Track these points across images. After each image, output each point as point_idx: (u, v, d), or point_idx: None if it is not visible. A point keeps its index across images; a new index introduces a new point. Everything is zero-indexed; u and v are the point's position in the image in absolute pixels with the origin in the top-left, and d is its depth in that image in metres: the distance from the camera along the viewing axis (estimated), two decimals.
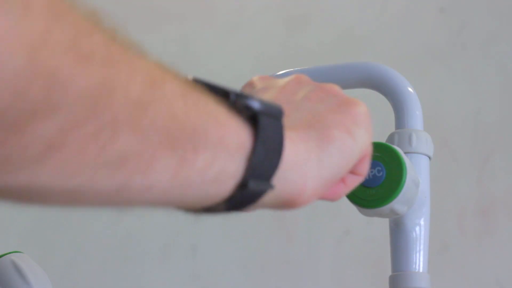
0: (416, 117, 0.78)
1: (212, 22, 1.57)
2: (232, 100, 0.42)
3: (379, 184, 0.69)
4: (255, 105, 0.41)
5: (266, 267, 1.44)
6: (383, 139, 0.76)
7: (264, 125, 0.42)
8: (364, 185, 0.69)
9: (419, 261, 0.75)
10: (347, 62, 0.82)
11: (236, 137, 0.41)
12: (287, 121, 0.44)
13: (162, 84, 0.37)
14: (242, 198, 0.42)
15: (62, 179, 0.34)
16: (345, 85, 0.80)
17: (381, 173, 0.69)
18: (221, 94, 0.42)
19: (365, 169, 0.51)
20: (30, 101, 0.30)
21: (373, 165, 0.69)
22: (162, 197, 0.39)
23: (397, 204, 0.69)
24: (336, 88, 0.51)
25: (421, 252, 0.75)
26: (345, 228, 1.42)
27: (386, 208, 0.69)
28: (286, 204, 0.45)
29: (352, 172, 0.51)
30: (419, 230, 0.75)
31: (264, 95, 0.50)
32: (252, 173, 0.41)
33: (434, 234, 0.78)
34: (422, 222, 0.76)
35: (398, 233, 0.75)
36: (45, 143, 0.32)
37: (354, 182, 0.51)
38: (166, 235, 1.48)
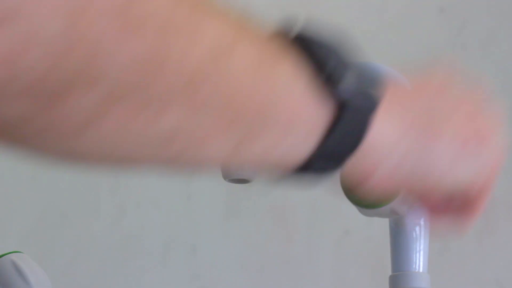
0: None
1: None
2: (323, 77, 0.37)
3: None
4: (346, 94, 0.37)
5: (266, 267, 1.44)
6: None
7: (349, 116, 0.37)
8: None
9: (419, 261, 0.75)
10: None
11: (310, 121, 0.36)
12: (402, 105, 0.40)
13: (229, 53, 0.33)
14: (306, 173, 0.38)
15: (106, 149, 0.31)
16: None
17: None
18: (317, 61, 0.37)
19: (464, 221, 0.46)
20: (69, 70, 0.28)
21: None
22: (218, 166, 0.36)
23: (397, 204, 0.69)
24: (493, 115, 0.46)
25: (421, 252, 0.75)
26: (345, 228, 1.41)
27: (386, 208, 0.69)
28: (357, 180, 0.41)
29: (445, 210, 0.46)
30: (419, 230, 0.75)
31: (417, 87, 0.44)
32: (320, 157, 0.37)
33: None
34: (422, 222, 0.76)
35: (398, 233, 0.75)
36: (86, 115, 0.29)
37: (444, 217, 0.47)
38: (166, 235, 1.48)
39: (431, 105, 0.43)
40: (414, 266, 0.74)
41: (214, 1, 0.34)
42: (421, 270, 0.74)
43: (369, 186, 0.41)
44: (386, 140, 0.40)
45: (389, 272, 0.76)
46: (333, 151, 0.37)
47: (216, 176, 0.81)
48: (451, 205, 0.47)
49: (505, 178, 1.38)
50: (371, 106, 0.38)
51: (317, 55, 0.37)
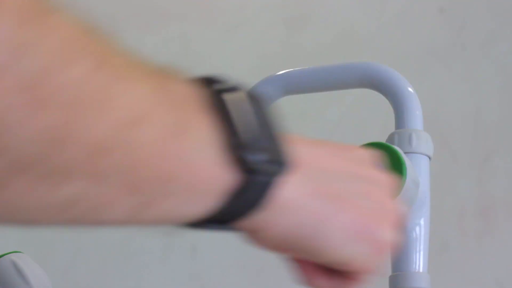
0: (416, 117, 0.78)
1: (212, 22, 1.57)
2: (233, 147, 0.36)
3: None
4: (256, 162, 0.37)
5: (266, 267, 1.43)
6: (383, 139, 0.76)
7: (255, 183, 0.37)
8: None
9: (419, 261, 0.75)
10: (347, 62, 0.82)
11: (214, 186, 0.36)
12: (315, 172, 0.41)
13: (139, 124, 0.33)
14: (202, 227, 0.39)
15: (6, 214, 0.33)
16: (345, 85, 0.80)
17: None
18: (226, 132, 0.36)
19: (341, 284, 0.46)
20: None
21: None
22: (120, 225, 0.37)
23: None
24: (394, 212, 0.47)
25: (421, 252, 0.75)
26: None
27: None
28: (248, 230, 0.42)
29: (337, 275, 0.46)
30: (419, 230, 0.75)
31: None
32: (214, 218, 0.38)
33: (434, 234, 0.78)
34: (422, 222, 0.76)
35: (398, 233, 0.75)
36: None
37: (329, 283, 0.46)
38: (166, 235, 1.48)
39: (341, 179, 0.43)
40: (414, 266, 0.74)
41: (138, 59, 0.34)
42: (421, 270, 0.74)
43: (260, 238, 0.42)
44: (288, 202, 0.40)
45: (389, 272, 0.76)
46: (229, 213, 0.38)
47: None
48: (329, 271, 0.46)
49: (505, 178, 1.38)
50: (278, 172, 0.38)
51: (232, 119, 0.37)
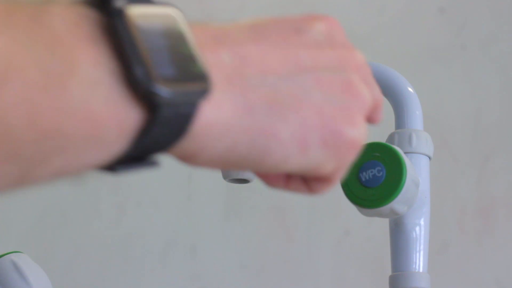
0: (416, 117, 0.78)
1: (212, 22, 1.57)
2: (132, 79, 0.31)
3: (379, 184, 0.69)
4: (161, 95, 0.31)
5: (266, 267, 1.44)
6: (383, 139, 0.76)
7: (165, 116, 0.32)
8: (364, 185, 0.69)
9: (419, 261, 0.75)
10: None
11: (115, 129, 0.31)
12: (252, 79, 0.35)
13: (4, 83, 0.28)
14: (124, 167, 0.34)
15: None
16: None
17: (381, 173, 0.69)
18: (123, 61, 0.31)
19: (316, 188, 0.40)
20: None
21: (373, 165, 0.69)
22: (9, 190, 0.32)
23: (397, 204, 0.69)
24: (365, 98, 0.39)
25: (421, 252, 0.75)
26: (345, 228, 1.41)
27: (386, 208, 0.69)
28: (181, 157, 0.36)
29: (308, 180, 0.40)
30: (419, 230, 0.75)
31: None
32: (126, 160, 0.33)
33: (434, 234, 0.78)
34: (422, 222, 0.76)
35: (398, 233, 0.75)
36: None
37: (296, 184, 0.40)
38: (166, 235, 1.48)
39: (294, 79, 0.37)
40: (414, 266, 0.74)
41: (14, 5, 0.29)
42: (421, 270, 0.74)
43: (194, 163, 0.36)
44: (217, 125, 0.34)
45: (389, 272, 0.76)
46: (143, 152, 0.33)
47: (216, 176, 0.81)
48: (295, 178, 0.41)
49: (505, 178, 1.38)
50: (194, 101, 0.33)
51: (127, 48, 0.31)
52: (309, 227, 1.43)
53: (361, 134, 0.39)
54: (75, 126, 0.30)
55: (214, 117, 0.34)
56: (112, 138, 0.32)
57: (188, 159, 0.35)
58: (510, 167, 1.38)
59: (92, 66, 0.30)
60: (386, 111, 0.80)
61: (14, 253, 0.83)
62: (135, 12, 0.32)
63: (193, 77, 0.32)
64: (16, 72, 0.28)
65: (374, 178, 0.68)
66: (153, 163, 0.34)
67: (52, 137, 0.30)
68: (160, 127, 0.32)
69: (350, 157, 0.39)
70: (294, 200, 1.42)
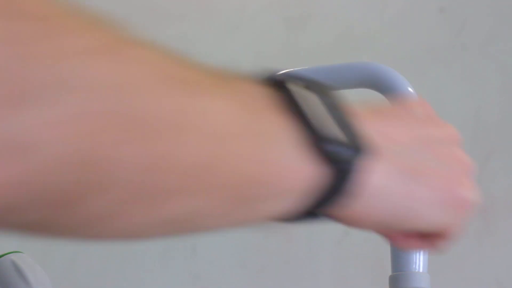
0: None
1: (212, 22, 1.57)
2: (312, 142, 0.38)
3: None
4: (336, 153, 0.38)
5: (266, 267, 1.44)
6: None
7: (339, 172, 0.39)
8: None
9: (419, 261, 0.75)
10: (347, 62, 0.82)
11: (302, 183, 0.38)
12: (394, 151, 0.42)
13: (225, 142, 0.34)
14: (296, 221, 0.41)
15: (122, 235, 0.35)
16: (345, 85, 0.80)
17: None
18: (303, 128, 0.37)
19: (440, 245, 0.50)
20: (81, 184, 0.30)
21: None
22: (215, 229, 0.39)
23: None
24: (468, 164, 0.49)
25: (421, 252, 0.75)
26: (345, 228, 1.41)
27: None
28: (336, 216, 0.43)
29: (424, 238, 0.48)
30: None
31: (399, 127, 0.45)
32: (309, 211, 0.40)
33: None
34: None
35: None
36: (100, 215, 0.32)
37: (423, 244, 0.49)
38: None
39: (415, 151, 0.45)
40: (414, 266, 0.74)
41: (205, 68, 0.35)
42: (421, 270, 0.74)
43: (355, 224, 0.43)
44: (376, 187, 0.41)
45: (389, 272, 0.76)
46: (321, 205, 0.39)
47: None
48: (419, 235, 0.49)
49: (505, 178, 1.38)
50: (359, 158, 0.39)
51: (304, 114, 0.38)
52: (309, 227, 1.43)
53: (474, 194, 0.47)
54: (278, 177, 0.36)
55: (374, 180, 0.41)
56: (300, 189, 0.38)
57: (351, 219, 0.42)
58: (510, 167, 1.38)
59: (282, 132, 0.37)
60: None
61: (14, 253, 0.83)
62: (302, 91, 0.39)
63: (358, 142, 0.39)
64: (235, 130, 0.35)
65: None
66: (323, 218, 0.41)
67: (262, 185, 0.36)
68: (336, 182, 0.38)
69: (466, 214, 0.47)
70: None
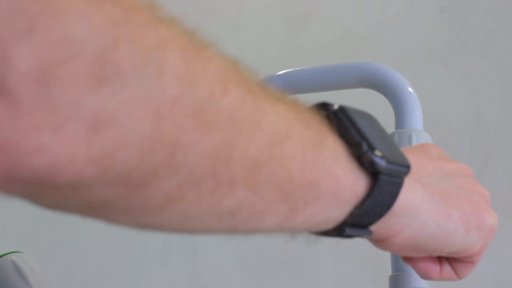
0: (416, 117, 0.78)
1: (212, 22, 1.57)
2: (359, 153, 0.41)
3: None
4: (381, 164, 0.41)
5: (266, 267, 1.44)
6: None
7: (382, 183, 0.42)
8: None
9: None
10: (347, 62, 0.82)
11: (349, 191, 0.41)
12: (423, 178, 0.46)
13: (283, 142, 0.37)
14: (337, 235, 0.43)
15: (177, 223, 0.36)
16: (345, 85, 0.80)
17: None
18: (351, 141, 0.42)
19: (462, 272, 0.54)
20: (153, 163, 0.32)
21: None
22: (268, 233, 0.41)
23: None
24: (487, 194, 0.53)
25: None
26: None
27: None
28: (374, 241, 0.47)
29: (453, 262, 0.53)
30: None
31: (423, 162, 0.50)
32: (353, 221, 0.42)
33: None
34: None
35: None
36: (165, 197, 0.34)
37: (447, 272, 0.53)
38: (166, 235, 1.48)
39: (444, 181, 0.49)
40: None
41: (271, 89, 0.39)
42: None
43: (393, 243, 0.46)
44: (413, 205, 0.45)
45: (389, 272, 0.76)
46: (364, 218, 0.43)
47: None
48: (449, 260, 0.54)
49: (505, 178, 1.38)
50: (401, 175, 0.43)
51: (352, 131, 0.42)
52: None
53: (496, 221, 0.53)
54: (327, 181, 0.40)
55: (411, 198, 0.45)
56: (347, 197, 0.41)
57: (388, 237, 0.45)
58: (510, 167, 1.38)
59: (332, 142, 0.41)
60: (386, 111, 0.80)
61: (14, 253, 0.83)
62: (348, 108, 0.43)
63: (398, 158, 0.43)
64: (292, 134, 0.38)
65: None
66: (364, 233, 0.44)
67: (312, 187, 0.39)
68: (378, 192, 0.42)
69: (491, 239, 0.52)
70: None
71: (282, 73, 0.83)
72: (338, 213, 0.41)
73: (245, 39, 1.55)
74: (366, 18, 1.50)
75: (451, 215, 0.47)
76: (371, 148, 0.41)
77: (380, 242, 0.47)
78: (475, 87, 1.42)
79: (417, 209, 0.45)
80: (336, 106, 0.43)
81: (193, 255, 1.46)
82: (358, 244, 1.41)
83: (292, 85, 0.83)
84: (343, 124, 0.42)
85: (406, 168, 0.43)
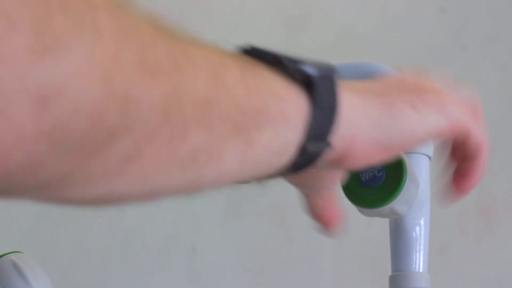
0: None
1: (212, 22, 1.57)
2: (286, 66, 0.42)
3: (379, 184, 0.69)
4: (310, 70, 0.42)
5: (266, 267, 1.44)
6: None
7: (320, 88, 0.42)
8: (364, 185, 0.69)
9: (419, 261, 0.75)
10: (347, 62, 0.82)
11: (295, 106, 0.41)
12: (354, 88, 0.46)
13: (223, 73, 0.38)
14: (303, 161, 0.43)
15: (138, 184, 0.35)
16: None
17: (381, 173, 0.69)
18: (273, 61, 0.42)
19: (475, 168, 0.53)
20: (107, 125, 0.31)
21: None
22: (231, 179, 0.40)
23: (397, 204, 0.69)
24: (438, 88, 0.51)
25: (421, 252, 0.75)
26: (345, 229, 1.41)
27: (386, 208, 0.69)
28: (338, 161, 0.46)
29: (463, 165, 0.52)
30: (419, 230, 0.75)
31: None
32: (311, 136, 0.42)
33: (434, 234, 0.78)
34: (422, 222, 0.76)
35: (398, 233, 0.75)
36: (122, 158, 0.33)
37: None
38: (166, 235, 1.48)
39: (372, 84, 0.49)
40: (414, 266, 0.74)
41: (192, 36, 0.39)
42: (421, 270, 0.74)
43: (356, 151, 0.45)
44: (355, 110, 0.45)
45: (389, 272, 0.76)
46: (319, 129, 0.42)
47: None
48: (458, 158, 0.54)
49: (505, 178, 1.38)
50: (332, 82, 0.43)
51: (270, 57, 0.42)
52: (309, 227, 1.43)
53: (442, 91, 0.51)
54: (273, 104, 0.40)
55: (349, 103, 0.44)
56: (295, 113, 0.41)
57: (348, 148, 0.45)
58: (510, 167, 1.38)
59: (262, 68, 0.41)
60: None
61: (14, 253, 0.83)
62: (259, 48, 0.43)
63: (322, 64, 0.43)
64: (228, 67, 0.38)
65: (374, 178, 0.68)
66: (327, 143, 0.43)
67: (261, 113, 0.39)
68: (319, 99, 0.42)
69: (459, 108, 0.51)
70: (294, 200, 1.42)
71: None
72: (292, 133, 0.41)
73: (245, 39, 1.55)
74: (366, 18, 1.50)
75: (391, 102, 0.47)
76: (293, 59, 0.42)
77: (344, 159, 0.46)
78: (475, 87, 1.42)
79: (360, 108, 0.45)
80: (243, 48, 0.43)
81: (193, 255, 1.46)
82: (358, 244, 1.42)
83: None
84: (263, 53, 0.42)
85: (331, 67, 0.44)
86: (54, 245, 1.52)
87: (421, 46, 1.46)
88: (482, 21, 1.44)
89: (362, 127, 0.45)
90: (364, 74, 0.79)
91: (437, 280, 0.79)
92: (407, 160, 0.70)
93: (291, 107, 0.41)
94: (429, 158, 0.77)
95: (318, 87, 0.42)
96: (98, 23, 0.31)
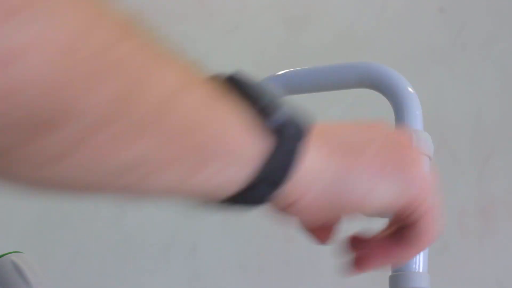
0: (416, 117, 0.78)
1: (212, 22, 1.57)
2: (259, 108, 0.41)
3: None
4: (280, 120, 0.41)
5: (266, 267, 1.44)
6: None
7: (285, 139, 0.42)
8: None
9: (419, 261, 0.75)
10: (347, 62, 0.82)
11: (252, 148, 0.41)
12: (326, 136, 0.45)
13: (186, 91, 0.37)
14: (250, 198, 0.42)
15: (69, 178, 0.35)
16: (345, 85, 0.80)
17: None
18: (250, 98, 0.42)
19: (415, 240, 0.53)
20: (61, 103, 0.31)
21: None
22: (167, 195, 0.40)
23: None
24: (406, 142, 0.50)
25: (421, 252, 0.75)
26: (345, 228, 1.41)
27: None
28: (288, 210, 0.46)
29: (406, 232, 0.52)
30: None
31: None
32: (261, 180, 0.42)
33: None
34: None
35: None
36: (60, 148, 0.33)
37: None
38: (166, 235, 1.48)
39: (353, 136, 0.47)
40: (414, 266, 0.74)
41: (167, 49, 0.38)
42: (421, 270, 0.74)
43: (298, 210, 0.45)
44: (314, 167, 0.44)
45: (389, 272, 0.76)
46: (272, 176, 0.42)
47: None
48: (403, 237, 0.53)
49: (505, 178, 1.38)
50: (301, 134, 0.43)
51: (250, 93, 0.42)
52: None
53: (419, 163, 0.49)
54: (224, 140, 0.39)
55: (311, 160, 0.43)
56: (248, 158, 0.40)
57: (292, 204, 0.45)
58: (510, 167, 1.38)
59: (229, 104, 0.40)
60: (386, 111, 0.80)
61: (14, 253, 0.83)
62: (246, 80, 0.43)
63: (298, 118, 0.43)
64: (189, 88, 0.37)
65: None
66: (265, 200, 0.43)
67: (210, 144, 0.38)
68: (278, 154, 0.41)
69: (424, 187, 0.49)
70: None
71: (282, 73, 0.83)
72: (241, 173, 0.41)
73: (245, 39, 1.55)
74: (366, 18, 1.50)
75: (354, 166, 0.46)
76: (270, 103, 0.42)
77: (293, 211, 0.46)
78: (475, 87, 1.42)
79: (319, 167, 0.44)
80: (227, 75, 0.43)
81: (193, 255, 1.46)
82: None
83: (292, 85, 0.83)
84: (240, 87, 0.42)
85: (306, 122, 0.43)
86: (54, 245, 1.52)
87: (421, 46, 1.46)
88: (482, 21, 1.44)
89: (314, 187, 0.45)
90: (364, 74, 0.79)
91: (437, 280, 0.79)
92: None
93: (248, 148, 0.40)
94: (429, 158, 0.77)
95: (284, 138, 0.41)
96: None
